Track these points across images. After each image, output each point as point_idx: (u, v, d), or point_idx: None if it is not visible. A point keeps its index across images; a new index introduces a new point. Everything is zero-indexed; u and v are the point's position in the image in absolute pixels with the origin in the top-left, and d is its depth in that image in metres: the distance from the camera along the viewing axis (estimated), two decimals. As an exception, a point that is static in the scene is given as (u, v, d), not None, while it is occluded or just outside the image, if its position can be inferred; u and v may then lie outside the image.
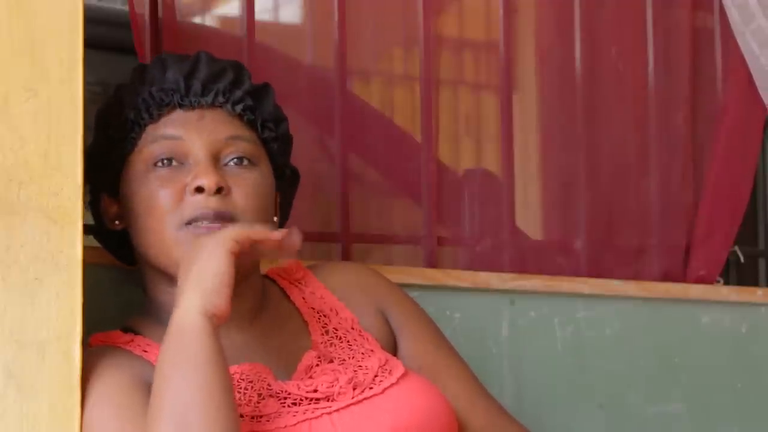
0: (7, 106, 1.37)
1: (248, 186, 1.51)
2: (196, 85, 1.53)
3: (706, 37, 2.33)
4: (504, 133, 2.13)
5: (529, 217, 2.25)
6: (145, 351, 1.49)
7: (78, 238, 1.39)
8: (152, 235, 1.49)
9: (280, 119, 1.60)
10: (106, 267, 1.68)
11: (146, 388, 1.42)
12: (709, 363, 2.20)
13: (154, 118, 1.52)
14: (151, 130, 1.52)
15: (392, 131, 2.12)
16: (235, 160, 1.52)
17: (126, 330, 1.54)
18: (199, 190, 1.47)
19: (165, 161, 1.50)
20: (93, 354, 1.45)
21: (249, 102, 1.55)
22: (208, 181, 1.47)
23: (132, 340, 1.51)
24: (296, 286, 1.62)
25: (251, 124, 1.55)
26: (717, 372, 2.21)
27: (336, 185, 1.99)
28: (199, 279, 1.37)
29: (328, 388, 1.46)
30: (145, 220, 1.50)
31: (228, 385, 1.36)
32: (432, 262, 2.05)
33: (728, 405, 2.21)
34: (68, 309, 1.37)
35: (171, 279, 1.49)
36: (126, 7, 1.84)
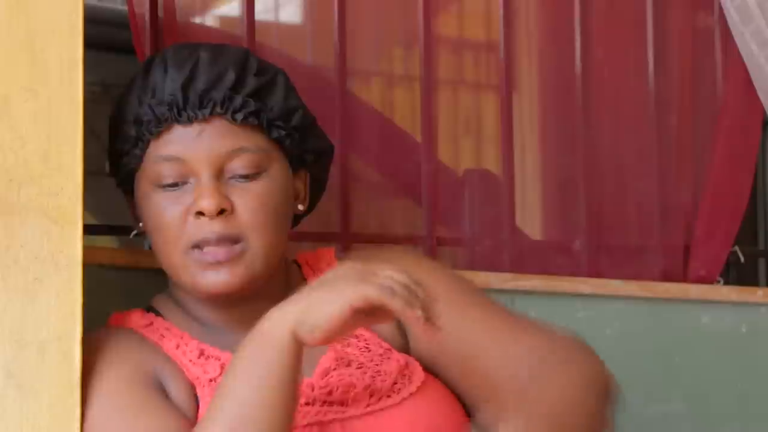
0: (7, 106, 1.37)
1: (254, 200, 1.46)
2: (193, 97, 1.47)
3: (705, 38, 2.33)
4: (504, 133, 2.13)
5: (529, 217, 2.25)
6: (162, 336, 1.49)
7: (78, 238, 1.39)
8: (161, 254, 1.49)
9: (290, 111, 1.52)
10: (106, 267, 1.68)
11: (150, 380, 1.42)
12: (709, 363, 2.20)
13: (154, 135, 1.48)
14: (153, 148, 1.48)
15: (392, 131, 2.12)
16: (240, 173, 1.47)
17: (149, 309, 1.54)
18: (201, 213, 1.45)
19: (168, 185, 1.47)
20: (103, 338, 1.45)
21: (251, 107, 1.48)
22: (208, 204, 1.44)
23: (151, 323, 1.51)
24: (317, 276, 1.53)
25: (258, 127, 1.49)
26: (717, 372, 2.21)
27: (336, 185, 1.99)
28: (309, 306, 1.31)
29: (343, 393, 1.45)
30: (155, 238, 1.49)
31: (293, 407, 1.33)
32: (432, 263, 2.04)
33: (728, 405, 2.21)
34: (68, 309, 1.37)
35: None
36: (126, 7, 1.84)
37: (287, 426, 1.32)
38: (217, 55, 1.51)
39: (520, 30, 2.22)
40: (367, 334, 1.52)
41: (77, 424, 1.37)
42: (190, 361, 1.47)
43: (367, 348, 1.51)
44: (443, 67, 2.15)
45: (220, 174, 1.46)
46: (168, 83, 1.48)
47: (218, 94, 1.47)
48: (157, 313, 1.53)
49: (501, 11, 2.14)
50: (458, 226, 2.12)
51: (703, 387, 2.19)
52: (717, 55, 2.32)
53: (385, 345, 1.52)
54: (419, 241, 2.06)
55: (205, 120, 1.47)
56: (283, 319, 1.32)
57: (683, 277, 2.25)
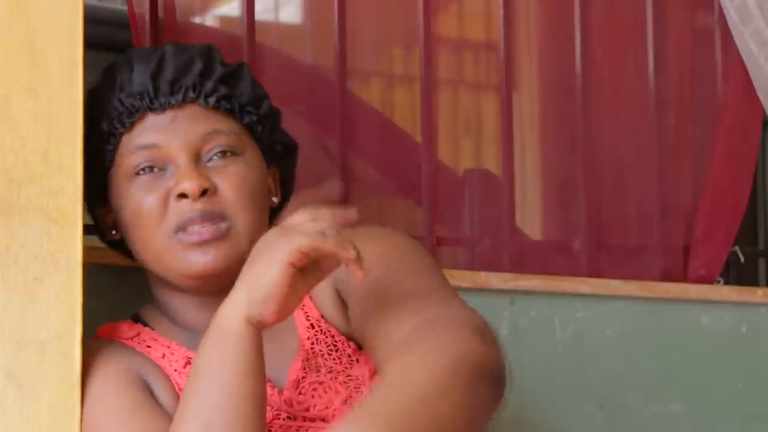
0: (7, 106, 1.37)
1: (235, 178, 1.45)
2: (164, 85, 1.46)
3: (705, 38, 2.33)
4: (504, 133, 2.13)
5: (529, 217, 2.25)
6: (149, 347, 1.48)
7: (78, 238, 1.39)
8: (143, 245, 1.47)
9: (259, 98, 1.52)
10: (106, 267, 1.67)
11: (141, 384, 1.42)
12: (709, 363, 2.20)
13: (127, 128, 1.47)
14: (126, 141, 1.47)
15: (392, 131, 2.12)
16: (217, 154, 1.46)
17: (137, 319, 1.53)
18: (183, 195, 1.43)
19: (145, 169, 1.45)
20: (94, 347, 1.44)
21: (222, 91, 1.48)
22: (190, 185, 1.42)
23: (138, 334, 1.50)
24: None
25: (229, 113, 1.49)
26: (717, 372, 2.21)
27: (336, 185, 1.99)
28: (251, 284, 1.29)
29: (321, 410, 1.43)
30: (135, 230, 1.47)
31: (261, 396, 1.31)
32: (432, 262, 2.04)
33: (728, 405, 2.21)
34: (68, 309, 1.37)
35: (171, 283, 1.48)
36: (126, 7, 1.84)
37: (258, 420, 1.30)
38: (182, 48, 1.51)
39: (520, 30, 2.22)
40: (332, 330, 1.49)
41: (77, 424, 1.37)
42: (176, 370, 1.46)
43: (334, 346, 1.48)
44: (443, 67, 2.15)
45: (197, 159, 1.45)
46: (136, 76, 1.47)
47: (188, 81, 1.47)
48: (144, 324, 1.52)
49: (501, 11, 2.14)
50: (458, 226, 2.12)
51: (703, 387, 2.19)
52: (717, 55, 2.32)
53: (352, 345, 1.48)
54: (419, 241, 2.05)
55: (177, 106, 1.47)
56: (233, 310, 1.30)
57: (683, 277, 2.25)
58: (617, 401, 2.12)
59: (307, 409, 1.43)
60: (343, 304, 1.49)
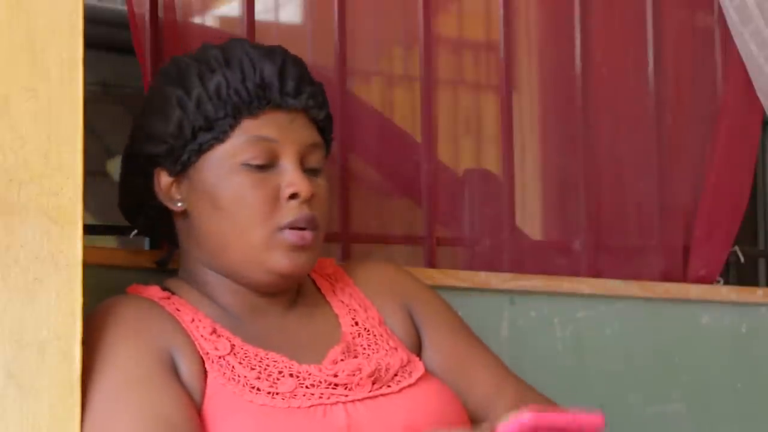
0: (7, 106, 1.37)
1: (322, 194, 1.54)
2: (290, 86, 1.53)
3: (705, 38, 2.33)
4: (504, 133, 2.13)
5: (529, 217, 2.25)
6: (178, 310, 1.51)
7: (78, 238, 1.39)
8: (236, 234, 1.50)
9: (332, 120, 1.62)
10: (106, 267, 1.68)
11: (164, 356, 1.44)
12: (709, 363, 2.20)
13: (253, 114, 1.51)
14: (247, 126, 1.51)
15: (392, 131, 2.12)
16: (312, 167, 1.54)
17: (164, 289, 1.56)
18: (294, 196, 1.50)
19: (259, 164, 1.51)
20: (126, 304, 1.48)
21: (327, 108, 1.58)
22: (305, 189, 1.50)
23: (168, 298, 1.53)
24: (327, 280, 1.65)
25: (321, 129, 1.58)
26: (717, 372, 2.21)
27: (336, 185, 1.99)
28: None
29: (348, 376, 1.49)
30: (230, 217, 1.50)
31: None
32: (431, 262, 2.05)
33: (728, 405, 2.21)
34: (68, 309, 1.37)
35: (217, 267, 1.53)
36: (126, 7, 1.83)
37: None
38: (292, 54, 1.57)
39: (520, 30, 2.22)
40: (379, 329, 1.59)
41: (77, 425, 1.37)
42: (202, 336, 1.49)
43: (375, 343, 1.56)
44: (443, 67, 2.15)
45: (302, 164, 1.53)
46: (263, 69, 1.52)
47: (307, 88, 1.55)
48: (172, 293, 1.55)
49: (501, 11, 2.14)
50: (458, 226, 2.12)
51: (703, 387, 2.19)
52: (717, 55, 2.32)
53: (392, 344, 1.57)
54: (419, 241, 2.06)
55: (297, 110, 1.53)
56: None
57: (683, 277, 2.25)
58: (617, 401, 2.12)
59: (335, 375, 1.49)
60: (413, 324, 1.64)
